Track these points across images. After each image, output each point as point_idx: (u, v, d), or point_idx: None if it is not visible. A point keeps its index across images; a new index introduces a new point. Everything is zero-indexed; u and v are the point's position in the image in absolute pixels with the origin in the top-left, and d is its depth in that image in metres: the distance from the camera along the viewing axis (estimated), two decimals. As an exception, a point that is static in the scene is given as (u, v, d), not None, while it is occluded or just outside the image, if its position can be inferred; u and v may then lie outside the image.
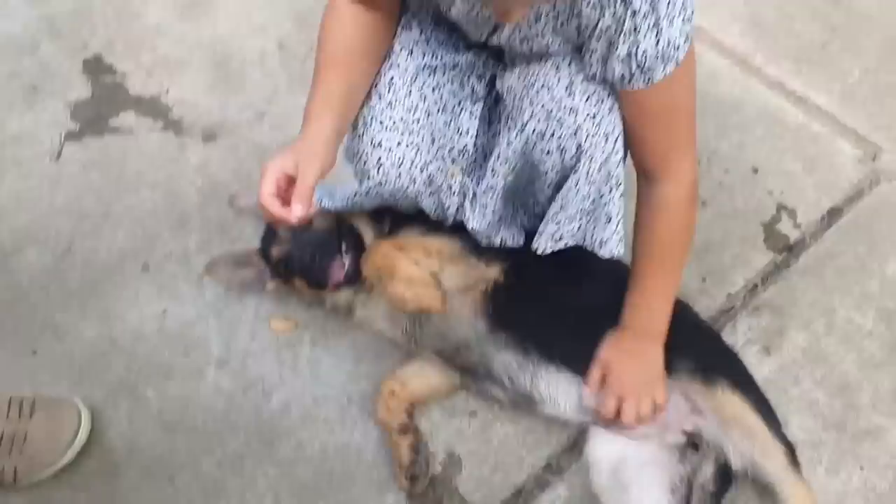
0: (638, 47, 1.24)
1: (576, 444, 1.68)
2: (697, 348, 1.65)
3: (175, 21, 2.23)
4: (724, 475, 1.58)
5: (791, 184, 2.02)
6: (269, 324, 1.81)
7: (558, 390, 1.61)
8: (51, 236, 1.90)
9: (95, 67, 2.15)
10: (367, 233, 1.73)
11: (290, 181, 1.33)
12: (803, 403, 1.74)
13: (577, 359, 1.58)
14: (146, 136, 2.04)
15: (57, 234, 1.90)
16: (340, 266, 1.66)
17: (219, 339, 1.79)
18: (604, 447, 1.62)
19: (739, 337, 1.81)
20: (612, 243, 1.51)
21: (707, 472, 1.58)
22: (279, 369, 1.76)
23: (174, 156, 2.02)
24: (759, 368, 1.75)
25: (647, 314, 1.56)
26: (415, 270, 1.58)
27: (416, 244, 1.65)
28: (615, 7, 1.21)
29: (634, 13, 1.21)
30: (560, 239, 1.54)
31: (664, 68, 1.27)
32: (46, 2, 2.26)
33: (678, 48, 1.25)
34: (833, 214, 1.98)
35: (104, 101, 2.09)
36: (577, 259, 1.59)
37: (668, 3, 1.20)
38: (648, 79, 1.28)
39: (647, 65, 1.26)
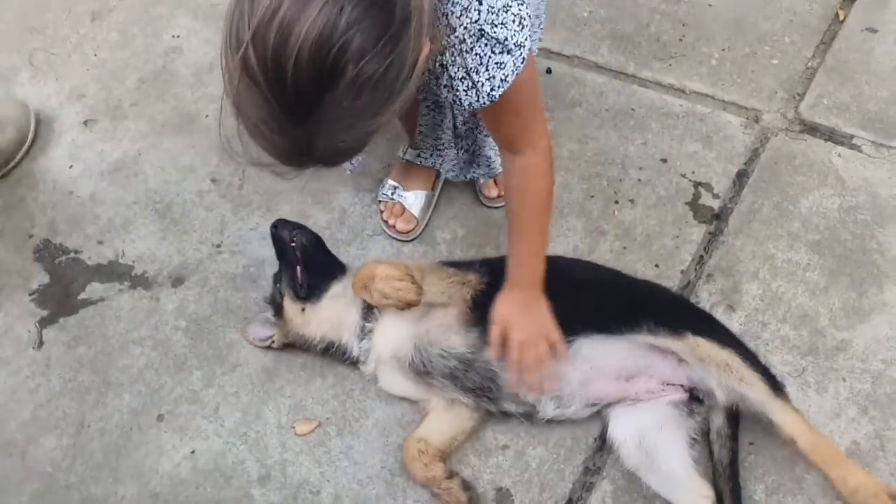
0: (460, 101, 1.52)
1: (604, 442, 1.84)
2: (658, 307, 1.86)
3: (107, 188, 2.33)
4: (735, 417, 1.77)
5: (697, 162, 2.28)
6: (293, 430, 1.91)
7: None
8: (60, 419, 1.95)
9: (46, 252, 2.22)
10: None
11: None
12: (777, 342, 1.96)
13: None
14: (118, 300, 2.12)
15: (65, 416, 1.95)
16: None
17: (252, 459, 1.87)
18: (622, 427, 1.79)
19: (704, 303, 2.02)
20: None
21: (718, 418, 1.77)
22: (318, 468, 1.86)
23: (151, 308, 2.10)
24: (730, 324, 1.96)
25: (530, 270, 1.77)
26: (393, 270, 1.77)
27: (397, 262, 1.88)
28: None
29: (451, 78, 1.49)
30: None
31: (490, 97, 1.50)
32: (-24, 207, 2.33)
33: (496, 88, 1.50)
34: (741, 177, 2.24)
35: (66, 281, 2.16)
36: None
37: (479, 66, 1.46)
38: (483, 104, 1.52)
39: (475, 104, 1.52)
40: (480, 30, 1.44)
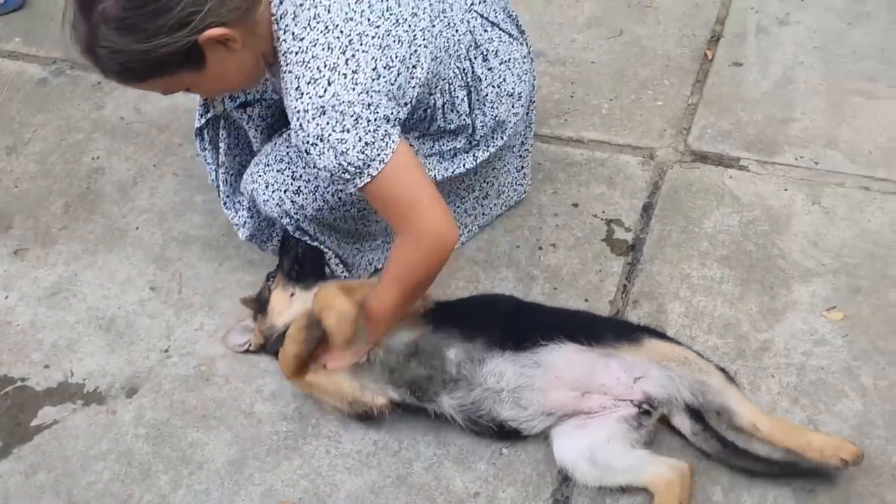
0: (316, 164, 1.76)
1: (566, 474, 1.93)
2: (611, 326, 2.03)
3: (46, 312, 2.35)
4: (699, 414, 1.90)
5: (605, 202, 2.47)
6: (273, 513, 1.94)
7: (502, 370, 1.90)
8: (29, 548, 1.93)
9: (-8, 385, 2.22)
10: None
11: None
12: (707, 352, 2.09)
13: (515, 339, 1.92)
14: (73, 419, 2.13)
15: (34, 544, 1.93)
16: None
17: (232, 551, 1.89)
18: (569, 449, 1.89)
19: (636, 328, 2.17)
20: None
21: (685, 422, 1.89)
22: (299, 547, 1.89)
23: (108, 422, 2.12)
24: (663, 343, 2.12)
25: (375, 317, 1.92)
26: (349, 311, 1.86)
27: (361, 284, 2.01)
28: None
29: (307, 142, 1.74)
30: None
31: (339, 166, 1.72)
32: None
33: (360, 169, 1.72)
34: (647, 209, 2.44)
35: (16, 410, 2.16)
36: None
37: (322, 135, 1.70)
38: (330, 172, 1.75)
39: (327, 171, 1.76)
40: (322, 107, 1.67)
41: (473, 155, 2.14)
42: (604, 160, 2.58)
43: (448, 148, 2.09)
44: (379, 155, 1.72)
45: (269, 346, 2.13)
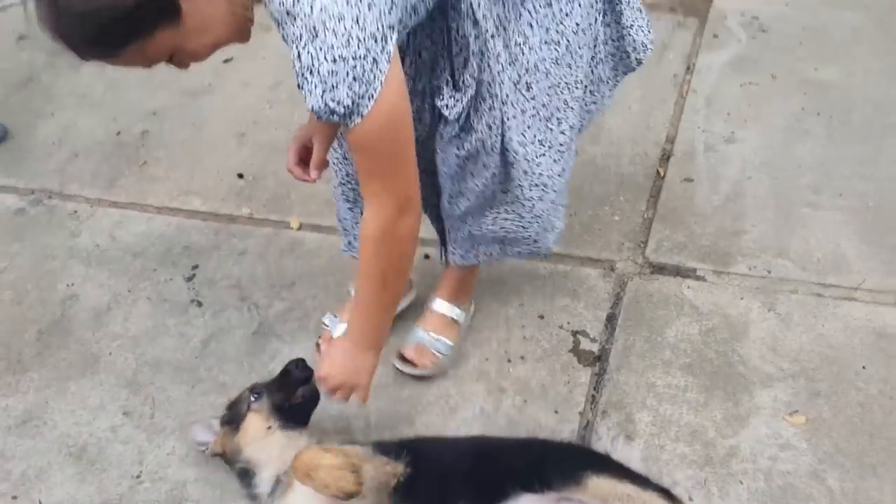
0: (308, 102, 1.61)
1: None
2: (559, 463, 1.97)
3: (16, 441, 2.32)
4: None
5: (570, 314, 2.55)
6: None
7: None
8: None
9: (-42, 518, 2.18)
10: None
11: (308, 151, 2.02)
12: (676, 460, 2.15)
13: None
14: (40, 551, 2.09)
15: None
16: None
17: None
18: None
19: (605, 437, 2.20)
20: None
21: None
22: None
23: (77, 553, 2.08)
24: (632, 453, 2.14)
25: (359, 327, 1.97)
26: (336, 461, 1.82)
27: (337, 449, 1.92)
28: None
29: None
30: None
31: (321, 105, 1.59)
32: None
33: (349, 109, 1.59)
34: (611, 319, 2.52)
35: (-18, 543, 2.12)
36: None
37: (311, 67, 1.56)
38: (317, 112, 1.61)
39: (313, 109, 1.61)
40: (314, 28, 1.52)
41: None
42: (566, 273, 2.67)
43: None
44: (367, 91, 1.58)
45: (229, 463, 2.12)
